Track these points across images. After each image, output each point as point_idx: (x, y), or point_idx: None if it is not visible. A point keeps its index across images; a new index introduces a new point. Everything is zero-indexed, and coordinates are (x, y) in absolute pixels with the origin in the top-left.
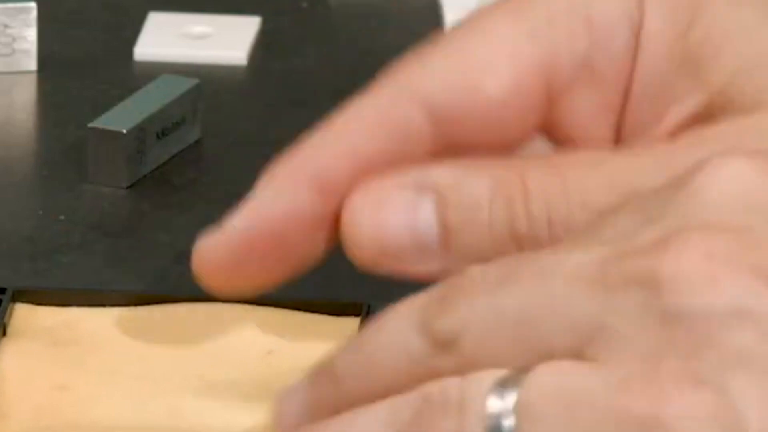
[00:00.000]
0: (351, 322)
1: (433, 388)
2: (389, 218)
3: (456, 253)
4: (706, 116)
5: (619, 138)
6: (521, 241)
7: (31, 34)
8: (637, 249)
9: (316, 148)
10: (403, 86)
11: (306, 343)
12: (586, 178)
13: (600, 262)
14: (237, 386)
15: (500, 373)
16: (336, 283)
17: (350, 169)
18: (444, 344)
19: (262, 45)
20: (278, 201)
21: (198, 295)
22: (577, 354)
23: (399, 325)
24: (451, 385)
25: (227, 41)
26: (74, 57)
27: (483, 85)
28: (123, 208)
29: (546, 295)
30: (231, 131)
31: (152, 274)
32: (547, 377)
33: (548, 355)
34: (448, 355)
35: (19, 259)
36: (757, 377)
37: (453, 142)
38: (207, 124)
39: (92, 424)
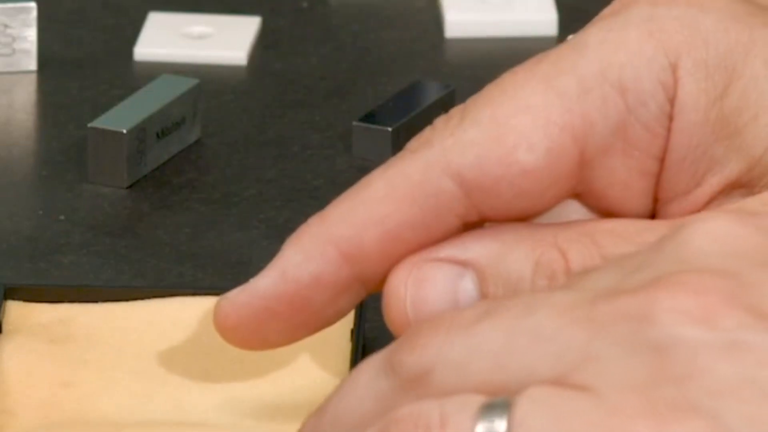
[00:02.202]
0: None
1: (401, 412)
2: (430, 295)
3: None
4: (745, 183)
5: (656, 202)
6: None
7: (31, 34)
8: (628, 288)
9: (346, 214)
10: (435, 158)
11: None
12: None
13: (588, 299)
14: (239, 380)
15: (481, 397)
16: None
17: (379, 238)
18: (413, 380)
19: (262, 45)
20: (305, 265)
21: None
22: (559, 383)
23: (365, 371)
24: (428, 408)
25: (227, 41)
26: (74, 57)
27: (517, 157)
28: (123, 208)
29: (530, 325)
30: (231, 131)
31: (152, 274)
32: (540, 401)
33: (527, 385)
34: (416, 394)
35: (19, 259)
36: (751, 405)
37: (485, 210)
38: (207, 124)
39: (98, 420)
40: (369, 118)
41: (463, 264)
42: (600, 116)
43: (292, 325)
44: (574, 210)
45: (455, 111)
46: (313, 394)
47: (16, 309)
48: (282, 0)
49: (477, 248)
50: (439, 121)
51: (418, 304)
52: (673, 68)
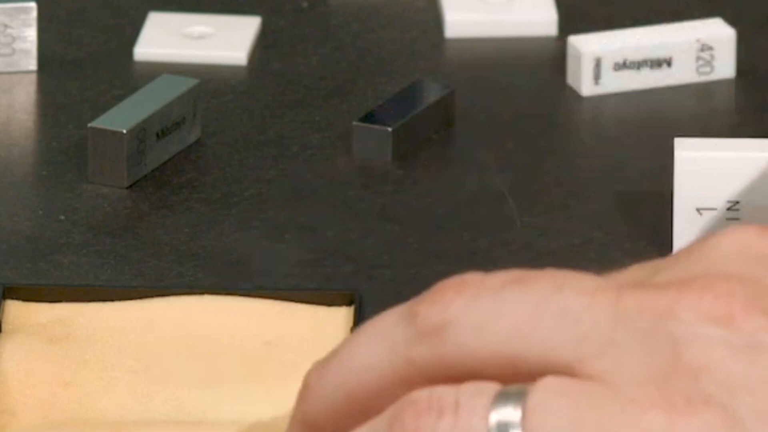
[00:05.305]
0: (344, 312)
1: (417, 394)
2: None
3: None
4: None
5: None
6: None
7: (31, 34)
8: (656, 285)
9: None
10: None
11: (302, 332)
12: None
13: (616, 288)
14: (239, 378)
15: (496, 385)
16: (327, 273)
17: None
18: (429, 332)
19: (262, 45)
20: None
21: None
22: (573, 367)
23: (385, 318)
24: (443, 392)
25: (227, 41)
26: (74, 57)
27: None
28: (123, 208)
29: (558, 302)
30: (231, 131)
31: (152, 274)
32: (554, 391)
33: (542, 364)
34: (429, 346)
35: (19, 258)
36: (765, 401)
37: None
38: (207, 124)
39: (98, 420)
40: (369, 118)
41: None
42: None
43: None
44: None
45: None
46: None
47: (15, 309)
48: (282, 0)
49: None
50: None
51: None
52: None
